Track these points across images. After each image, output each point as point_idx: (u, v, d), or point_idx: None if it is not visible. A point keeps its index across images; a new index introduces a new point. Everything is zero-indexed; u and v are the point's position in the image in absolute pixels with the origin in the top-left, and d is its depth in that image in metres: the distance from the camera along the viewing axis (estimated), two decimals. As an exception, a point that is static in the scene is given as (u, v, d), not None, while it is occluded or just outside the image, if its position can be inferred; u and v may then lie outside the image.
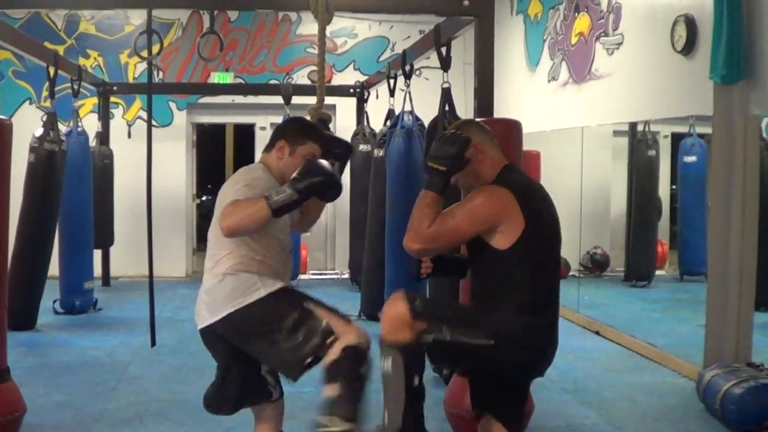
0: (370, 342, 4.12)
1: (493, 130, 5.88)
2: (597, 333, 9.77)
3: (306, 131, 4.46)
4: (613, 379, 7.76)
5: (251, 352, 4.26)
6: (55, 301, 10.60)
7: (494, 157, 4.12)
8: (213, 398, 4.51)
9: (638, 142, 11.98)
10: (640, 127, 11.85)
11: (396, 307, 3.98)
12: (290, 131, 4.45)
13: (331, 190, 4.16)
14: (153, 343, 6.83)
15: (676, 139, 11.91)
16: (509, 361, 3.98)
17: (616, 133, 12.26)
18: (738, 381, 6.27)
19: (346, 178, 12.96)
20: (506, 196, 3.90)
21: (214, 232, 4.32)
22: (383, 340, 4.01)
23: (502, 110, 9.97)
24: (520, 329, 3.90)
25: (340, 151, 4.67)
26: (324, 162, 4.21)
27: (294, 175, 4.06)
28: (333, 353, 4.03)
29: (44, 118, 9.81)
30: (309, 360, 4.09)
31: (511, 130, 5.98)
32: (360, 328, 4.19)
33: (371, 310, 10.27)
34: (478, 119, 6.07)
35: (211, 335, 4.38)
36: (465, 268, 4.36)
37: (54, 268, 10.14)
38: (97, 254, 12.09)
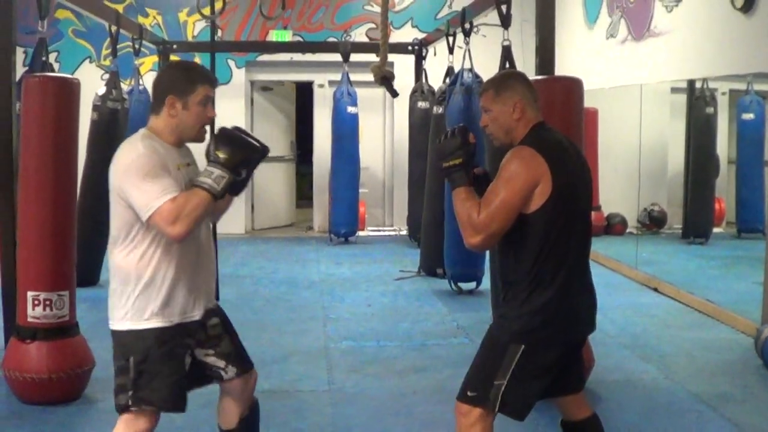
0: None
1: (554, 88, 5.94)
2: (655, 289, 9.79)
3: (189, 76, 3.87)
4: (671, 335, 7.81)
5: None
6: (117, 257, 10.75)
7: (530, 117, 3.99)
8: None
9: (696, 100, 11.89)
10: (698, 85, 11.75)
11: (462, 412, 3.88)
12: (174, 83, 3.84)
13: (259, 157, 3.80)
14: (216, 298, 6.94)
15: (735, 96, 11.81)
16: (549, 342, 3.94)
17: (674, 90, 12.17)
18: (796, 337, 6.29)
19: (404, 133, 13.10)
20: (535, 158, 3.78)
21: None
22: None
23: (560, 67, 9.90)
24: (534, 313, 3.83)
25: (245, 155, 3.78)
26: (232, 127, 3.83)
27: (215, 153, 3.67)
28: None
29: (105, 77, 9.94)
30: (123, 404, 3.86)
31: (573, 88, 6.01)
32: (147, 427, 3.85)
33: (430, 267, 10.38)
34: (539, 77, 6.10)
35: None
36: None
37: (117, 226, 10.22)
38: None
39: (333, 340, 7.46)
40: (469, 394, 3.84)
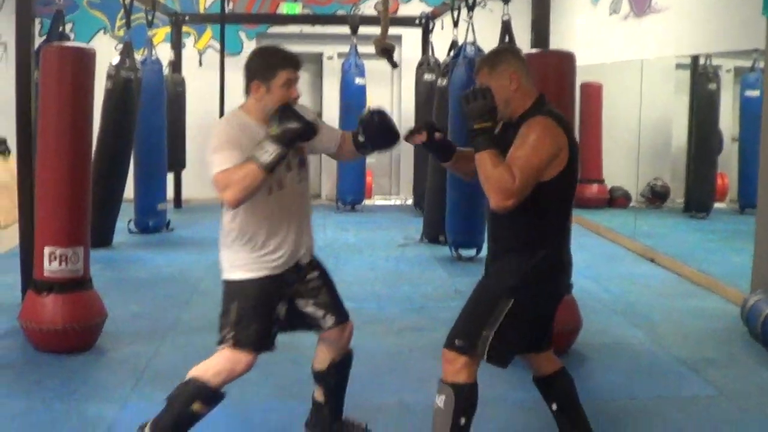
0: (234, 380, 4.24)
1: (547, 62, 6.15)
2: (652, 260, 10.03)
3: (270, 62, 4.22)
4: (663, 304, 8.05)
5: None
6: (129, 221, 11.11)
7: (526, 87, 4.16)
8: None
9: (699, 76, 12.07)
10: (702, 61, 11.93)
11: (448, 359, 4.10)
12: (258, 69, 4.22)
13: (309, 134, 4.07)
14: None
15: (740, 73, 11.95)
16: (535, 298, 4.17)
17: (679, 66, 12.36)
18: (780, 305, 6.52)
19: (411, 105, 13.32)
20: (557, 129, 4.00)
21: None
22: (441, 380, 4.14)
23: (563, 43, 10.12)
24: (532, 273, 4.05)
25: (295, 130, 4.04)
26: (292, 107, 4.13)
27: (268, 129, 4.00)
28: (190, 373, 4.27)
29: (119, 47, 10.15)
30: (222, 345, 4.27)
31: (564, 61, 6.20)
32: (237, 367, 4.21)
33: (432, 234, 10.62)
34: (532, 50, 6.31)
35: None
36: (450, 153, 4.48)
37: (128, 192, 10.55)
38: (169, 178, 12.45)
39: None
40: (456, 343, 4.06)
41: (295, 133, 3.98)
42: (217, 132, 4.18)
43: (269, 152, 3.93)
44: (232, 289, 4.27)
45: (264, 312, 4.26)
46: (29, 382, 5.58)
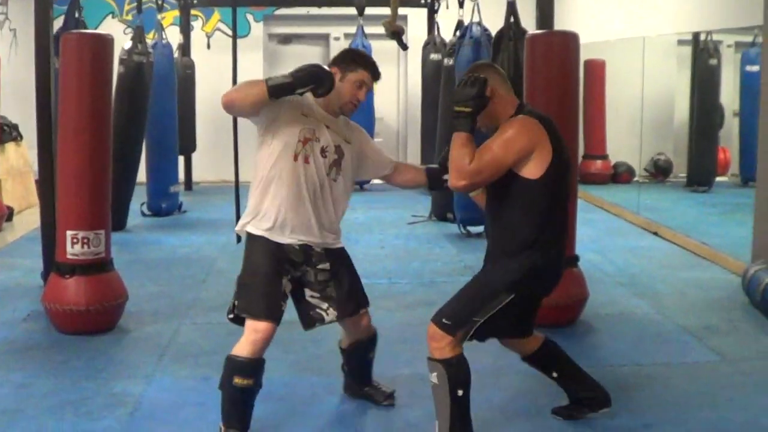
0: (261, 348, 4.40)
1: (552, 42, 6.32)
2: (655, 234, 10.22)
3: (357, 59, 4.57)
4: (666, 275, 8.24)
5: None
6: (142, 204, 11.25)
7: (507, 97, 4.34)
8: None
9: (700, 51, 12.19)
10: (703, 37, 12.06)
11: (433, 336, 4.30)
12: (342, 59, 4.57)
13: (324, 84, 4.29)
14: (239, 240, 7.31)
15: (741, 49, 12.05)
16: (531, 293, 4.38)
17: (681, 42, 12.47)
18: (779, 275, 6.71)
19: (417, 84, 13.43)
20: (536, 125, 4.18)
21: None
22: (429, 358, 4.34)
23: (567, 22, 10.28)
24: (531, 270, 4.24)
25: (306, 72, 4.34)
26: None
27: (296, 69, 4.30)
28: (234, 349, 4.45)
29: (127, 32, 10.27)
30: (231, 316, 4.53)
31: (569, 42, 6.32)
32: (260, 336, 4.38)
33: (440, 213, 10.80)
34: (537, 31, 6.47)
35: None
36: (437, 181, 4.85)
37: (140, 175, 10.68)
38: (180, 160, 12.50)
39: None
40: (444, 321, 4.27)
41: (310, 75, 4.25)
42: None
43: (280, 78, 4.24)
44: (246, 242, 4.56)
45: (268, 281, 4.45)
46: (56, 363, 5.75)
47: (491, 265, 4.41)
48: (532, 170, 4.14)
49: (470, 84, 4.19)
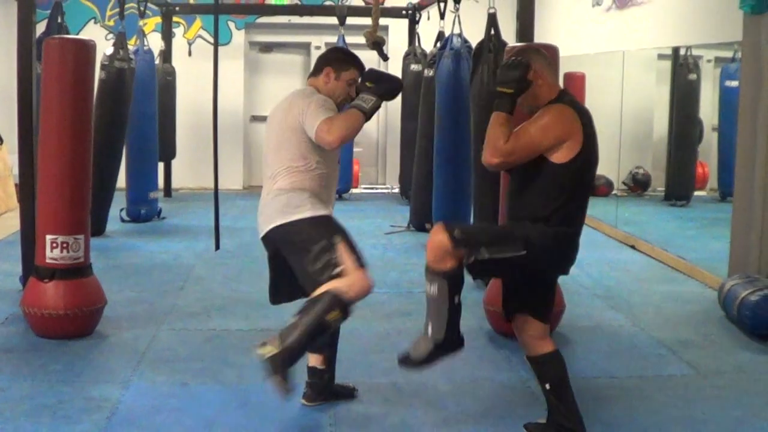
0: (363, 294, 4.57)
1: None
2: (632, 247, 10.27)
3: (348, 59, 4.97)
4: (642, 288, 8.30)
5: (289, 261, 4.82)
6: (121, 210, 11.22)
7: (551, 82, 4.55)
8: (271, 292, 5.10)
9: (680, 66, 12.28)
10: (683, 52, 12.14)
11: (438, 238, 4.34)
12: (335, 59, 4.95)
13: (400, 89, 4.90)
14: (217, 247, 7.31)
15: (721, 63, 12.12)
16: (538, 265, 4.45)
17: (661, 57, 12.54)
18: (754, 290, 6.74)
19: (397, 97, 13.47)
20: (572, 115, 4.36)
21: (273, 151, 4.85)
22: (429, 268, 4.38)
23: (547, 35, 10.37)
24: (550, 238, 4.37)
25: (389, 86, 4.88)
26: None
27: (366, 85, 4.75)
28: (319, 291, 4.53)
29: (109, 37, 10.26)
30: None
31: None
32: (362, 279, 4.58)
33: (418, 222, 10.82)
34: (516, 44, 6.51)
35: (268, 242, 4.92)
36: None
37: (120, 181, 10.65)
38: (159, 167, 12.44)
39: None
40: (456, 232, 4.32)
41: (389, 87, 4.79)
42: (316, 98, 4.71)
43: (369, 101, 4.66)
44: (300, 228, 4.69)
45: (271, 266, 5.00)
46: (34, 367, 5.73)
47: (528, 221, 4.46)
48: (561, 155, 4.32)
49: (513, 67, 4.40)
